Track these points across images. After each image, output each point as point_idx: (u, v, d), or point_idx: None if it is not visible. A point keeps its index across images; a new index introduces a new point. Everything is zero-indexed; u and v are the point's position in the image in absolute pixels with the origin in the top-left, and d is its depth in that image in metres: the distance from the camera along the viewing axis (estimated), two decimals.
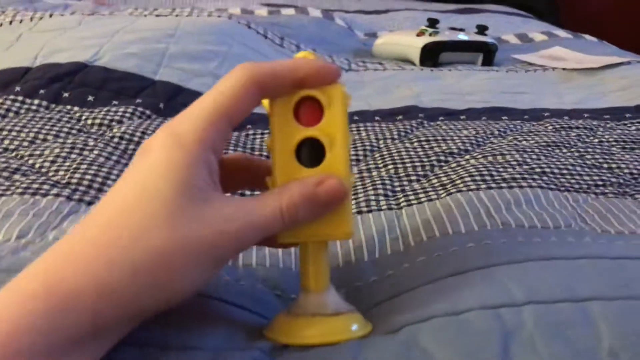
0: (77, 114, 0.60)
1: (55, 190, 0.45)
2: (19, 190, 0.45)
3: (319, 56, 0.30)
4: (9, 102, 0.60)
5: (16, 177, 0.48)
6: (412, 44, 0.94)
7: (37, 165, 0.50)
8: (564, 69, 0.88)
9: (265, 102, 0.30)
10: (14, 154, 0.52)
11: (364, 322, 0.31)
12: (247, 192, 0.46)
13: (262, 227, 0.28)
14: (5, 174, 0.48)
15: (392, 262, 0.38)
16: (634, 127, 0.62)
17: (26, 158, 0.51)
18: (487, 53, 0.95)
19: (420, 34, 0.95)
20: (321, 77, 0.30)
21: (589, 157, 0.54)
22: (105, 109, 0.61)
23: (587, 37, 1.13)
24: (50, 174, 0.48)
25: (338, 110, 0.30)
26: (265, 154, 0.56)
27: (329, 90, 0.30)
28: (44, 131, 0.56)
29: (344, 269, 0.38)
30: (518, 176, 0.48)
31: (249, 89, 0.28)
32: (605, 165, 0.52)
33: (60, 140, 0.55)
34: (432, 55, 0.93)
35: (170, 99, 0.66)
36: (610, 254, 0.36)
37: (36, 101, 0.61)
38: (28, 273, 0.26)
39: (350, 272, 0.38)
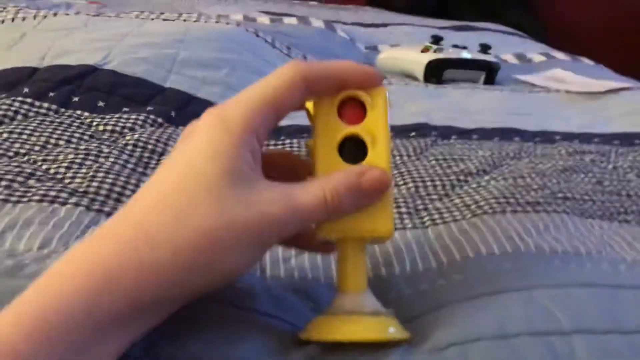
0: (88, 120, 0.59)
1: (73, 199, 0.44)
2: (36, 198, 0.43)
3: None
4: (17, 104, 0.58)
5: (31, 182, 0.46)
6: (416, 59, 0.94)
7: (51, 171, 0.48)
8: (567, 91, 0.89)
9: (310, 104, 0.31)
10: (25, 159, 0.50)
11: (402, 327, 0.30)
12: None
13: (305, 213, 0.28)
14: (19, 179, 0.46)
15: (426, 277, 0.38)
16: None
17: (39, 163, 0.49)
18: (489, 72, 0.96)
19: (425, 50, 0.95)
20: (366, 80, 0.31)
21: (606, 183, 0.54)
22: (117, 115, 0.60)
23: (584, 60, 1.15)
24: (67, 180, 0.47)
25: (381, 111, 0.30)
26: None
27: (372, 92, 0.31)
28: (55, 136, 0.54)
29: (375, 282, 0.38)
30: (542, 200, 0.48)
31: (297, 83, 0.29)
32: (624, 193, 0.52)
33: (73, 145, 0.53)
34: (436, 72, 0.93)
35: (181, 108, 0.65)
36: None
37: (45, 104, 0.59)
38: (69, 255, 0.26)
39: (382, 285, 0.37)
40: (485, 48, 0.99)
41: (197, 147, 0.28)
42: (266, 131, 0.29)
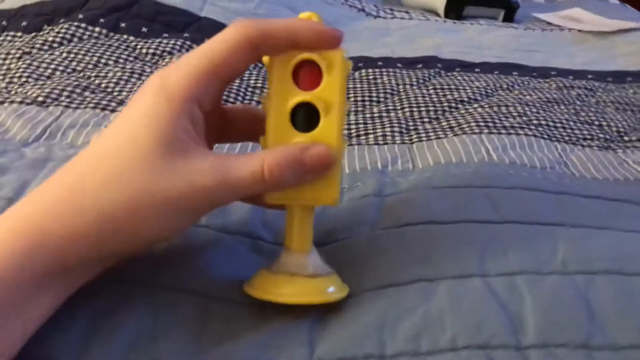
0: (133, 43, 0.68)
1: (120, 108, 0.53)
2: (91, 105, 0.53)
3: (321, 20, 0.31)
4: (73, 28, 0.68)
5: (86, 94, 0.56)
6: None
7: (102, 85, 0.58)
8: (579, 30, 0.93)
9: (266, 58, 0.30)
10: (81, 74, 0.60)
11: (341, 285, 0.32)
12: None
13: (237, 186, 0.28)
14: (77, 90, 0.56)
15: (402, 174, 0.46)
16: (631, 91, 0.69)
17: (93, 78, 0.59)
18: (509, 10, 1.00)
19: None
20: (321, 41, 0.29)
21: (583, 114, 0.60)
22: (158, 40, 0.68)
23: None
24: (115, 93, 0.57)
25: (337, 77, 0.30)
26: None
27: (330, 55, 0.30)
28: (105, 56, 0.63)
29: (368, 174, 0.46)
30: (517, 125, 0.55)
31: (241, 47, 0.28)
32: (597, 123, 0.59)
33: (120, 65, 0.62)
34: (456, 8, 0.98)
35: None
36: (584, 192, 0.44)
37: (97, 29, 0.69)
38: (4, 215, 0.27)
39: (365, 175, 0.46)
40: None
41: (136, 114, 0.28)
42: (209, 97, 0.29)
